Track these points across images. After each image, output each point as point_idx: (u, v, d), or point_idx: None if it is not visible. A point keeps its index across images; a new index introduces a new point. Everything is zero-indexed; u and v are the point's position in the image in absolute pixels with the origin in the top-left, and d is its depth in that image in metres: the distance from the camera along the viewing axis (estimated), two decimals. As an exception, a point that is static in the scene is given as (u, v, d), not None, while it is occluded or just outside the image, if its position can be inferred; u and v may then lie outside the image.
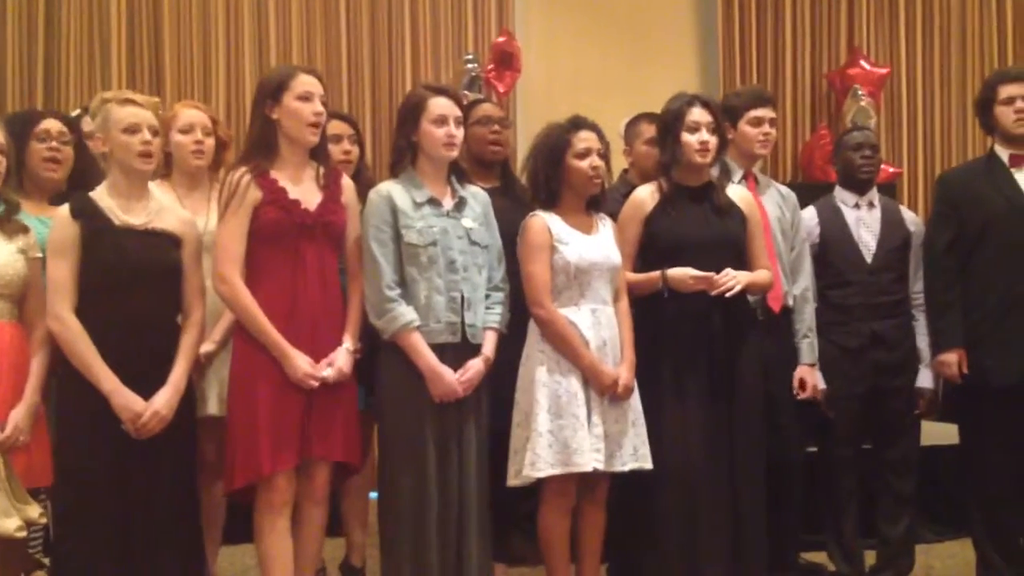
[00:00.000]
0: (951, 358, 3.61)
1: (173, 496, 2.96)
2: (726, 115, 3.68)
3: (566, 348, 3.19)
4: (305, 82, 3.06)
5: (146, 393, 2.90)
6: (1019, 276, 3.50)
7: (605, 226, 3.37)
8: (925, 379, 3.78)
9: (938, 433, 4.24)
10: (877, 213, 3.87)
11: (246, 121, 3.29)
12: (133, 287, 2.91)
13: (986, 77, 3.98)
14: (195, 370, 3.15)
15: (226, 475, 3.04)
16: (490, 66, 5.76)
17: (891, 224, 3.85)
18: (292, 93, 3.03)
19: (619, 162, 3.94)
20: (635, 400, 3.27)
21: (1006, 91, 3.61)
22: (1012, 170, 3.60)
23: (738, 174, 3.74)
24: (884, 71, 6.22)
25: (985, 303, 3.56)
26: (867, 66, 6.21)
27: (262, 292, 2.99)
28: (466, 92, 5.30)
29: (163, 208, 3.08)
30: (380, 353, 3.14)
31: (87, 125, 3.30)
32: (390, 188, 3.15)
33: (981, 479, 3.65)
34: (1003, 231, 3.54)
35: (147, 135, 2.95)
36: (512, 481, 3.21)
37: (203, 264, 3.13)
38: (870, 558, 3.87)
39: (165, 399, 2.92)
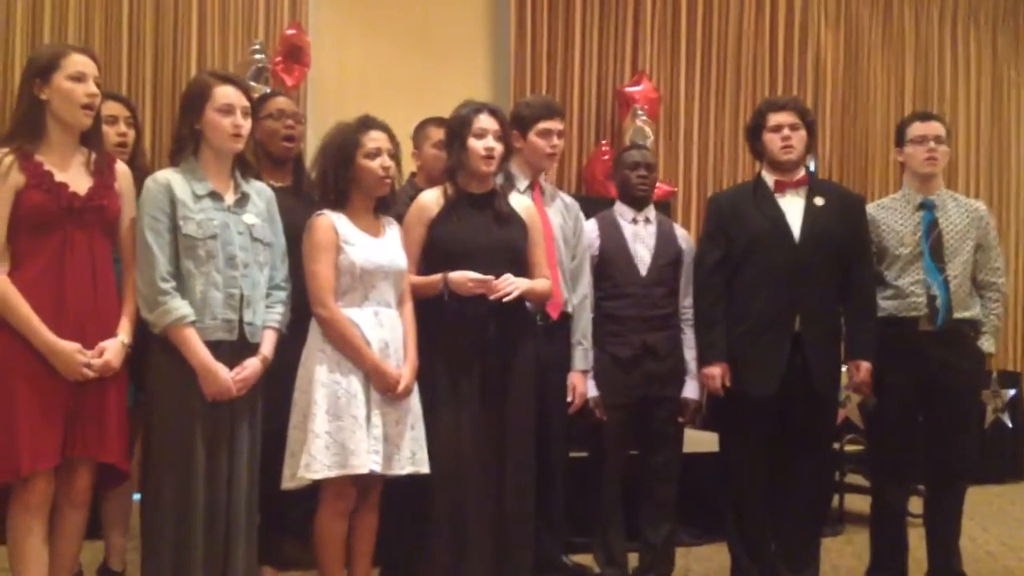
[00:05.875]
0: (715, 371, 3.76)
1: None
2: (516, 125, 3.74)
3: (348, 348, 3.15)
4: (78, 62, 2.90)
5: None
6: (777, 295, 3.68)
7: (392, 229, 3.35)
8: (690, 390, 3.93)
9: (699, 441, 4.44)
10: (653, 229, 4.01)
11: (15, 100, 3.07)
12: None
13: (757, 105, 4.17)
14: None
15: None
16: (278, 58, 5.63)
17: (665, 240, 4.00)
18: (63, 73, 2.87)
19: (409, 164, 3.93)
20: (415, 403, 3.27)
21: (774, 119, 3.78)
22: (776, 195, 3.78)
23: (524, 183, 3.80)
24: (657, 94, 6.50)
25: (746, 320, 3.73)
26: (647, 87, 6.46)
27: (26, 281, 2.81)
28: (252, 83, 5.16)
29: None
30: (150, 349, 3.01)
31: None
32: (169, 177, 3.03)
33: (736, 486, 3.84)
34: (765, 253, 3.71)
35: None
36: (287, 484, 3.15)
37: None
38: (632, 560, 4.01)
39: None
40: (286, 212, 3.25)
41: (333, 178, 3.25)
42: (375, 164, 3.24)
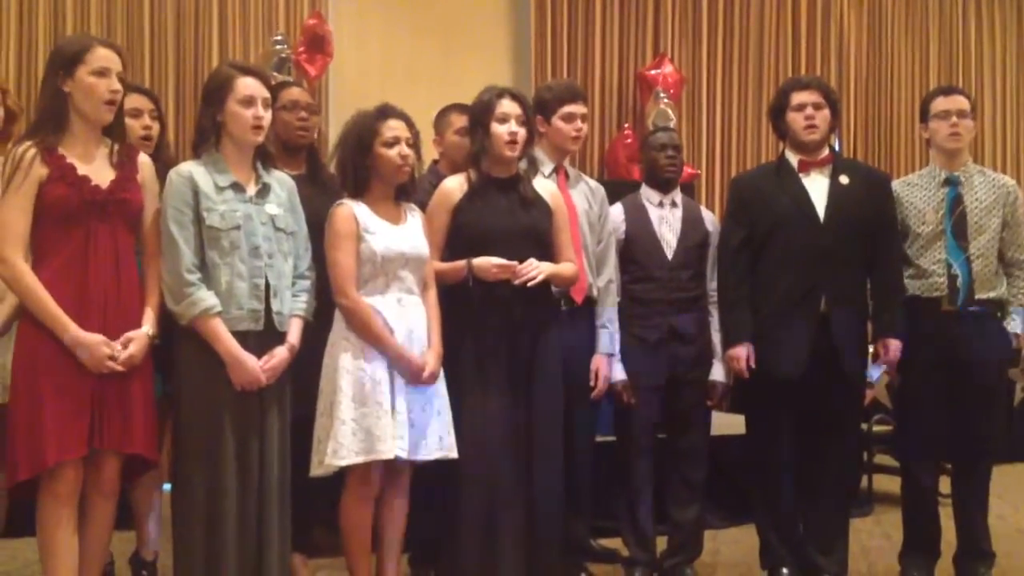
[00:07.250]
0: (739, 352, 3.74)
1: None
2: (539, 109, 3.73)
3: (371, 337, 3.16)
4: (102, 56, 2.90)
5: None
6: (801, 275, 3.65)
7: (414, 216, 3.36)
8: (717, 372, 3.91)
9: (727, 423, 4.44)
10: (679, 212, 3.99)
11: (38, 92, 3.10)
12: None
13: (780, 84, 4.14)
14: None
15: (8, 467, 2.85)
16: (301, 48, 5.65)
17: (691, 223, 3.98)
18: (87, 67, 2.87)
19: (430, 152, 3.94)
20: (441, 389, 3.28)
21: (797, 98, 3.74)
22: (800, 175, 3.75)
23: (549, 167, 3.79)
24: (679, 76, 6.47)
25: (770, 300, 3.70)
26: (669, 70, 6.44)
27: (49, 274, 2.83)
28: (275, 74, 5.18)
29: None
30: (177, 339, 3.03)
31: None
32: (192, 169, 3.05)
33: (764, 468, 3.83)
34: (789, 233, 3.68)
35: None
36: (315, 471, 3.16)
37: None
38: (661, 543, 4.01)
39: None
40: (304, 200, 3.26)
41: (352, 167, 3.26)
42: (393, 152, 3.24)
